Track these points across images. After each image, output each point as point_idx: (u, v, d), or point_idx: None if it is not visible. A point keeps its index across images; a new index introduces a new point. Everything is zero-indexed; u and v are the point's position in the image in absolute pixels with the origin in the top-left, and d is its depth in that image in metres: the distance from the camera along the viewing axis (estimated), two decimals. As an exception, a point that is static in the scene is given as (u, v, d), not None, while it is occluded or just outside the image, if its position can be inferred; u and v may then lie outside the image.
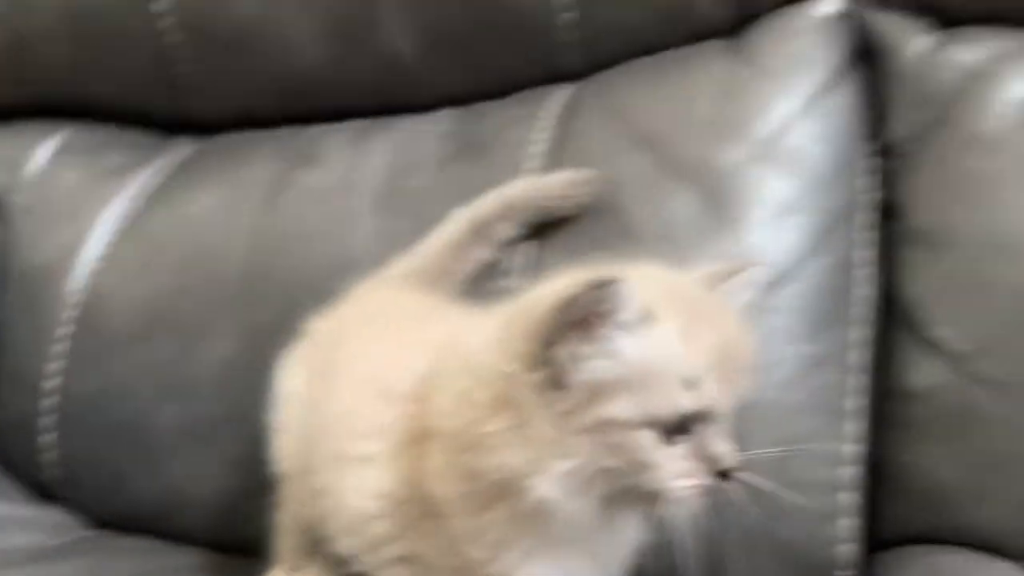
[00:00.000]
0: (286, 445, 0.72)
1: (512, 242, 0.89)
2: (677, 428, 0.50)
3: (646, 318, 0.50)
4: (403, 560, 0.58)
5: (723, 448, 0.52)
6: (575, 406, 0.49)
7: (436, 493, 0.54)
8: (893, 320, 0.85)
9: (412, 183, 0.99)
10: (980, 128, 0.83)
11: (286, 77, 1.13)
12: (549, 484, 0.50)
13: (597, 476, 0.50)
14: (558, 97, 1.02)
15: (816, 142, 0.90)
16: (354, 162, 1.05)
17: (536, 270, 0.89)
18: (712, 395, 0.51)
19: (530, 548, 0.54)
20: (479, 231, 0.87)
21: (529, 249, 0.91)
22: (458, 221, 0.87)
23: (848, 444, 0.83)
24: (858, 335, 0.86)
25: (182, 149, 1.18)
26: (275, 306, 0.96)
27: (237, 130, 1.19)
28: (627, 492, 0.51)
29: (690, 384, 0.50)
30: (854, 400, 0.84)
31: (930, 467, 0.79)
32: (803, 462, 0.80)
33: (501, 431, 0.50)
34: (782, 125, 0.90)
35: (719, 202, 0.87)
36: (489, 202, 0.86)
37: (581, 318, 0.48)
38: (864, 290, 0.87)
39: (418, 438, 0.56)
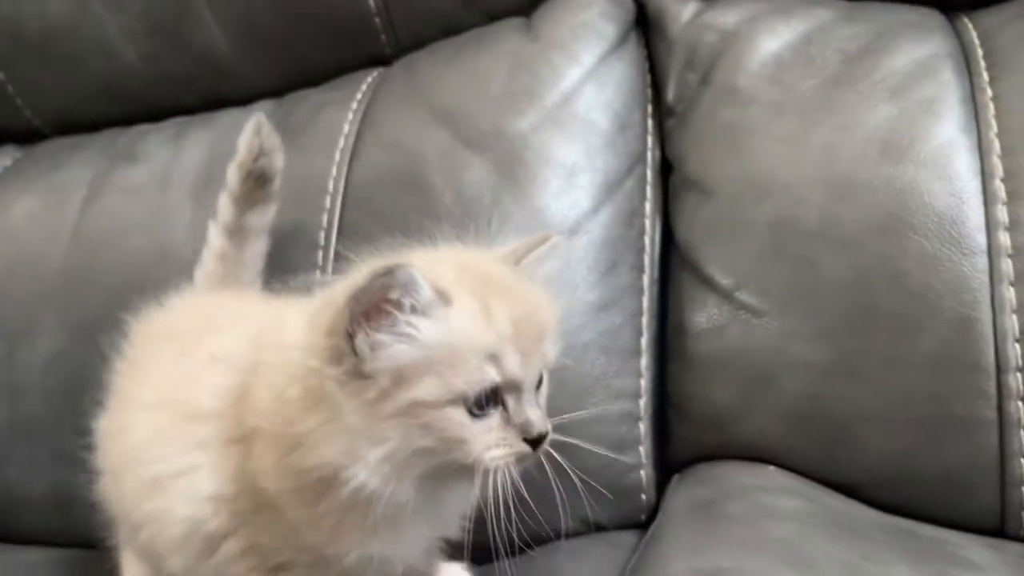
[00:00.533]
0: (108, 486, 0.69)
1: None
2: (485, 401, 0.52)
3: (440, 299, 0.51)
4: (244, 553, 0.59)
5: (532, 415, 0.54)
6: (381, 393, 0.50)
7: (268, 488, 0.55)
8: (676, 264, 0.93)
9: (226, 171, 1.02)
10: (736, 83, 0.91)
11: (104, 78, 1.15)
12: (366, 472, 0.51)
13: (413, 457, 0.52)
14: (367, 81, 1.07)
15: (600, 107, 0.97)
16: (173, 158, 1.07)
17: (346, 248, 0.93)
18: (514, 366, 0.52)
19: (364, 529, 0.55)
20: (238, 207, 0.87)
21: (331, 233, 0.95)
22: (222, 206, 0.87)
23: (640, 379, 0.90)
24: (646, 279, 0.93)
25: (3, 159, 1.19)
26: (98, 300, 0.99)
27: (61, 135, 1.20)
28: (445, 467, 0.53)
29: (492, 358, 0.52)
30: (645, 338, 0.91)
31: (708, 393, 0.86)
32: (602, 396, 0.87)
33: (317, 427, 0.51)
34: (568, 93, 0.97)
35: (511, 168, 0.94)
36: (229, 179, 0.86)
37: (372, 307, 0.50)
38: (648, 239, 0.94)
39: (240, 438, 0.57)
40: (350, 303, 0.50)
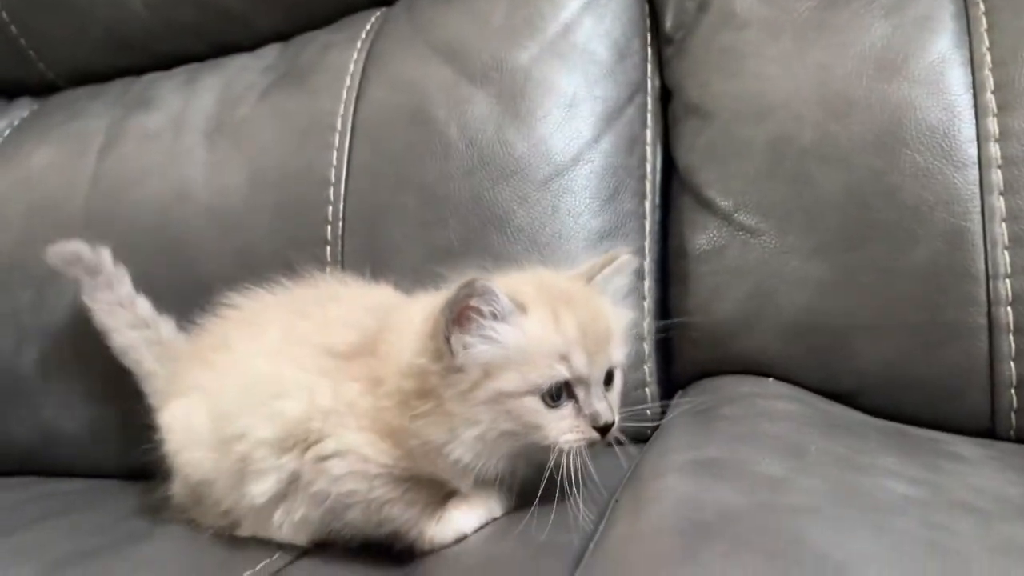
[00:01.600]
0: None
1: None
2: (557, 394, 0.62)
3: (517, 308, 0.62)
4: (337, 454, 0.66)
5: (600, 407, 0.63)
6: (472, 384, 0.61)
7: (392, 423, 0.65)
8: (677, 188, 0.95)
9: (238, 114, 1.05)
10: (732, 7, 0.93)
11: (113, 28, 1.18)
12: (462, 449, 0.62)
13: (500, 438, 0.62)
14: (371, 21, 1.09)
15: (599, 37, 0.98)
16: (185, 102, 1.10)
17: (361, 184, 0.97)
18: (581, 365, 0.62)
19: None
20: None
21: (342, 170, 0.98)
22: None
23: (644, 301, 0.93)
24: (648, 205, 0.95)
25: (21, 111, 1.21)
26: (119, 243, 1.02)
27: (75, 87, 1.23)
28: (525, 448, 0.63)
29: (562, 358, 0.62)
30: (648, 261, 0.94)
31: (709, 312, 0.89)
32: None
33: (425, 412, 0.62)
34: (568, 24, 0.98)
35: (513, 101, 0.96)
36: None
37: (460, 313, 0.60)
38: (650, 164, 0.97)
39: (369, 379, 0.66)
40: (443, 311, 0.61)
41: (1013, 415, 0.76)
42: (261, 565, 0.72)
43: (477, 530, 0.66)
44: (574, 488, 0.62)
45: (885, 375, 0.81)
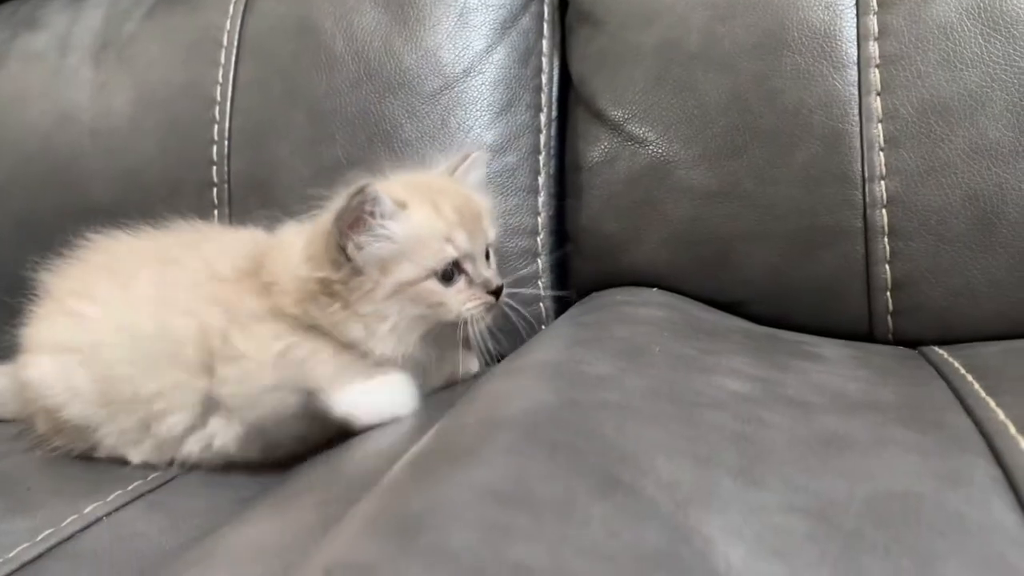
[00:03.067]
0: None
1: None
2: (451, 273, 0.69)
3: (399, 205, 0.67)
4: None
5: (488, 273, 0.72)
6: (374, 283, 0.67)
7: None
8: (572, 100, 0.93)
9: (124, 32, 1.01)
10: (625, -92, 0.89)
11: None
12: (380, 343, 0.68)
13: (411, 324, 0.69)
14: (261, -68, 1.04)
15: (493, -57, 0.94)
16: (72, 21, 1.06)
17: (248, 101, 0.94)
18: (464, 242, 0.69)
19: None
20: None
21: (227, 87, 0.95)
22: None
23: (538, 216, 0.91)
24: (543, 118, 0.93)
25: (-92, 34, 1.16)
26: (6, 165, 0.99)
27: (-35, 10, 1.18)
28: (438, 326, 0.70)
29: (447, 240, 0.69)
30: (542, 176, 0.92)
31: (599, 224, 0.88)
32: (500, 234, 0.89)
33: (335, 312, 0.67)
34: (459, -70, 0.94)
35: (402, 10, 0.93)
36: None
37: (354, 220, 0.65)
38: (546, 76, 0.94)
39: (262, 289, 0.70)
40: (337, 222, 0.65)
41: (889, 318, 0.76)
42: (133, 485, 0.71)
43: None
44: (483, 349, 0.71)
45: (768, 283, 0.80)
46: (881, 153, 0.74)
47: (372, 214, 0.66)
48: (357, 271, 0.67)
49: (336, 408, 0.66)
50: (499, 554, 0.30)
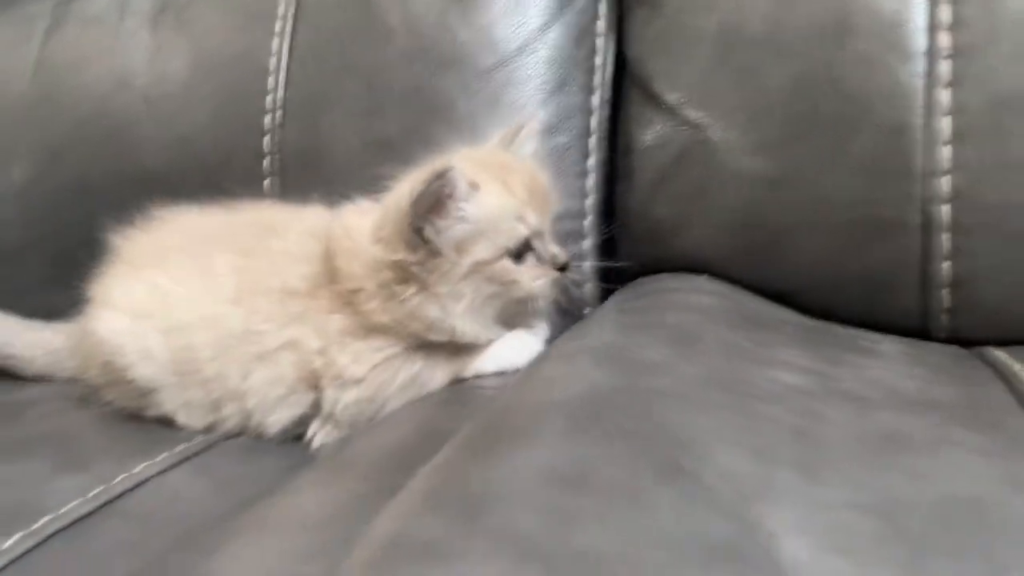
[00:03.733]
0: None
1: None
2: (522, 252, 0.70)
3: (473, 187, 0.67)
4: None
5: (555, 250, 0.73)
6: (451, 264, 0.68)
7: (383, 321, 0.70)
8: (627, 82, 0.92)
9: (181, -1, 1.01)
10: None
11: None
12: (458, 321, 0.69)
13: (485, 303, 0.70)
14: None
15: (553, -78, 0.93)
16: (130, -15, 1.06)
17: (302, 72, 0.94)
18: (534, 219, 0.70)
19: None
20: None
21: (282, 57, 0.95)
22: None
23: (586, 199, 0.91)
24: (596, 99, 0.92)
25: (-30, -6, 1.18)
26: (63, 129, 1.01)
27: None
28: (509, 303, 0.72)
29: (518, 218, 0.69)
30: (592, 159, 0.91)
31: (650, 208, 0.87)
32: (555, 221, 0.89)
33: (412, 295, 0.68)
34: (520, -92, 0.93)
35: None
36: None
37: (433, 203, 0.66)
38: (601, 57, 0.93)
39: (345, 302, 0.71)
40: (414, 205, 0.66)
41: (945, 315, 0.74)
42: (179, 448, 0.72)
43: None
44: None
45: (822, 274, 0.79)
46: (946, 147, 0.72)
47: (450, 196, 0.66)
48: (434, 253, 0.68)
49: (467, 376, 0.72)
50: (566, 539, 0.30)
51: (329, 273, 0.72)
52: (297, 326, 0.71)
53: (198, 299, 0.75)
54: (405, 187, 0.69)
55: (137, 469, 0.67)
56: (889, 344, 0.68)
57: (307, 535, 0.44)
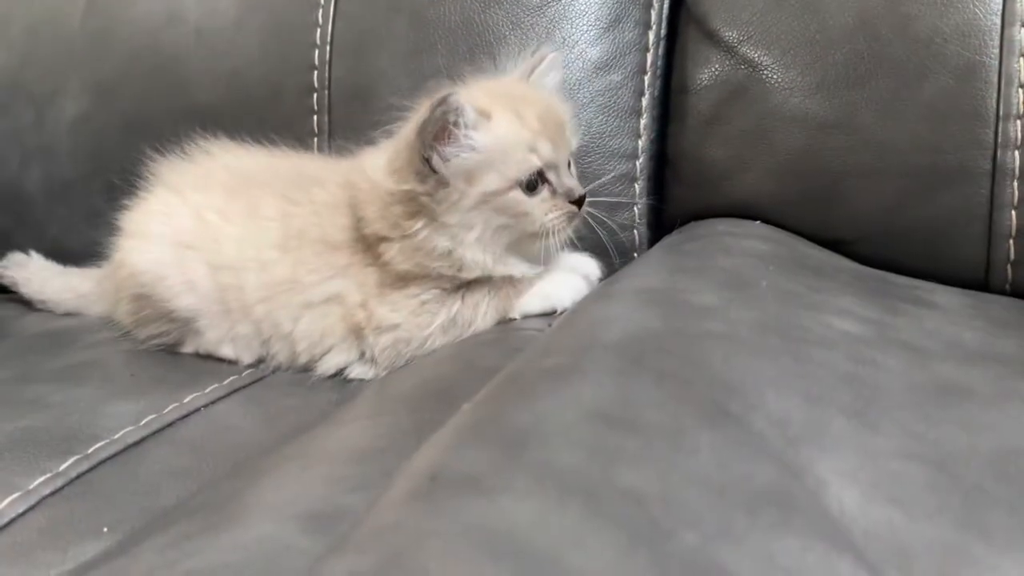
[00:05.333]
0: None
1: None
2: (535, 183, 0.69)
3: (482, 115, 0.66)
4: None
5: (571, 183, 0.71)
6: (460, 193, 0.67)
7: (403, 268, 0.71)
8: (683, 19, 0.89)
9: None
10: None
11: None
12: (468, 251, 0.69)
13: (496, 234, 0.70)
14: None
15: None
16: (181, -80, 1.05)
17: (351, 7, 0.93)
18: (548, 151, 0.69)
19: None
20: None
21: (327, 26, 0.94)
22: None
23: (639, 139, 0.89)
24: (651, 36, 0.90)
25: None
26: (115, 64, 1.01)
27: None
28: (523, 237, 0.71)
29: (531, 149, 0.68)
30: (646, 97, 0.89)
31: (703, 151, 0.85)
32: (597, 156, 0.87)
33: (422, 227, 0.68)
34: None
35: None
36: None
37: (438, 131, 0.65)
38: (656, -8, 0.90)
39: (374, 257, 0.72)
40: (420, 134, 0.65)
41: (1009, 267, 0.72)
42: (228, 380, 0.73)
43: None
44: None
45: (881, 222, 0.77)
46: (1021, 90, 0.69)
47: (456, 124, 0.65)
48: (443, 182, 0.67)
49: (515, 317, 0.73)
50: (607, 477, 0.30)
51: (358, 223, 0.72)
52: (340, 280, 0.72)
53: (247, 240, 0.76)
54: (415, 116, 0.69)
55: (188, 399, 0.68)
56: (950, 296, 0.66)
57: (351, 466, 0.44)
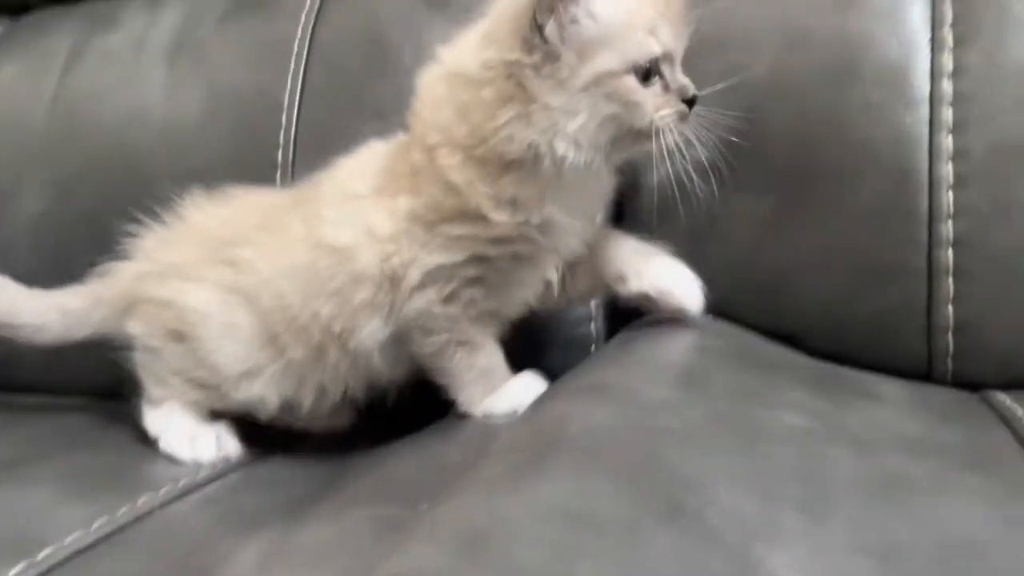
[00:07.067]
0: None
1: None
2: (649, 73, 0.63)
3: None
4: (424, 281, 0.68)
5: (685, 81, 0.65)
6: (571, 70, 0.61)
7: (455, 180, 0.65)
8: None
9: (199, 35, 1.04)
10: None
11: (82, -53, 1.15)
12: (565, 143, 0.62)
13: (601, 125, 0.62)
14: (337, -54, 1.06)
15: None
16: (149, 22, 1.09)
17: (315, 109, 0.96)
18: (669, 38, 0.63)
19: (541, 198, 0.66)
20: None
21: (295, 93, 0.97)
22: None
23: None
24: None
25: (-9, 29, 1.21)
26: (78, 160, 1.03)
27: (48, 6, 1.22)
28: (624, 135, 0.64)
29: (652, 32, 0.62)
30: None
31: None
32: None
33: (514, 117, 0.62)
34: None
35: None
36: None
37: None
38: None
39: (414, 170, 0.67)
40: None
41: (950, 359, 0.75)
42: (182, 482, 0.73)
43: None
44: (676, 164, 0.67)
45: (826, 316, 0.79)
46: (950, 192, 0.73)
47: None
48: (553, 55, 0.61)
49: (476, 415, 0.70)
50: (568, 573, 0.31)
51: (405, 147, 0.69)
52: (368, 214, 0.68)
53: (277, 252, 0.74)
54: None
55: (141, 501, 0.67)
56: (894, 387, 0.69)
57: (312, 570, 0.44)
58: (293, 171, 0.95)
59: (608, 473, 0.40)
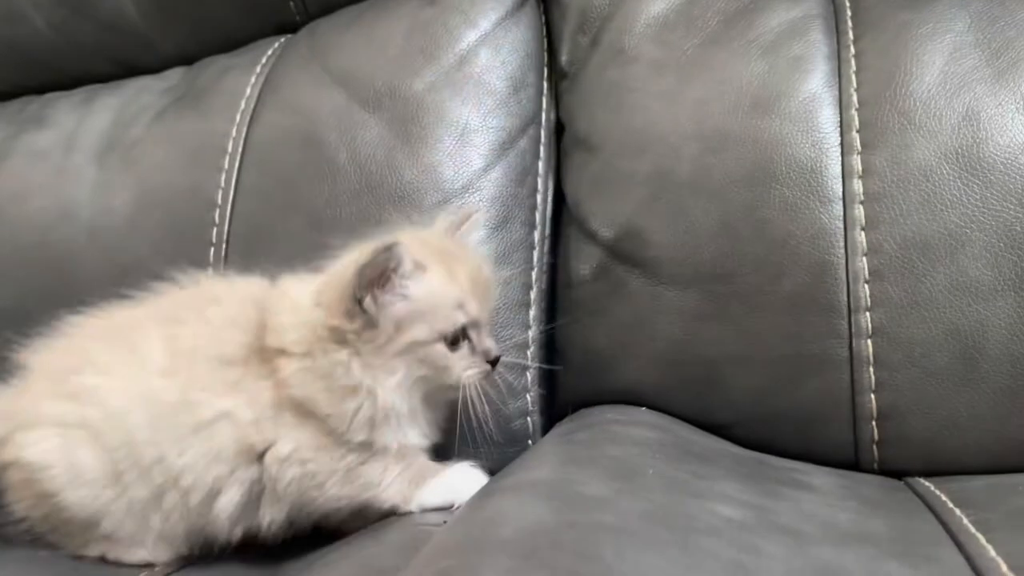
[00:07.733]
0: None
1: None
2: (457, 339, 0.72)
3: (419, 267, 0.70)
4: (289, 459, 0.71)
5: (490, 344, 0.75)
6: (388, 338, 0.69)
7: (297, 394, 0.70)
8: (565, 219, 0.96)
9: (131, 134, 1.04)
10: (622, 44, 0.94)
11: (14, 45, 1.16)
12: (387, 394, 0.70)
13: (416, 383, 0.72)
14: (273, 47, 1.09)
15: (495, 69, 1.00)
16: (79, 122, 1.09)
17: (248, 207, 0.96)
18: (474, 310, 0.72)
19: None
20: None
21: (229, 191, 0.97)
22: None
23: (528, 330, 0.93)
24: (537, 235, 0.96)
25: (-82, 126, 1.19)
26: (1, 255, 1.00)
27: (-26, 105, 1.21)
28: (437, 388, 0.73)
29: (459, 305, 0.71)
30: (534, 291, 0.94)
31: (588, 340, 0.89)
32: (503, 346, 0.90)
33: (346, 359, 0.69)
34: (464, 55, 0.99)
35: (405, 127, 0.96)
36: None
37: (377, 275, 0.68)
38: (541, 195, 0.97)
39: (270, 371, 0.71)
40: (359, 275, 0.67)
41: (875, 447, 0.77)
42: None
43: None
44: (480, 417, 0.74)
45: (754, 407, 0.81)
46: (866, 285, 0.76)
47: (395, 272, 0.68)
48: (371, 324, 0.69)
49: (411, 511, 0.72)
50: None
51: (261, 337, 0.72)
52: (232, 396, 0.70)
53: (129, 381, 0.73)
54: (352, 257, 0.72)
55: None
56: (823, 477, 0.70)
57: None
58: (226, 268, 0.95)
59: (543, 573, 0.39)
